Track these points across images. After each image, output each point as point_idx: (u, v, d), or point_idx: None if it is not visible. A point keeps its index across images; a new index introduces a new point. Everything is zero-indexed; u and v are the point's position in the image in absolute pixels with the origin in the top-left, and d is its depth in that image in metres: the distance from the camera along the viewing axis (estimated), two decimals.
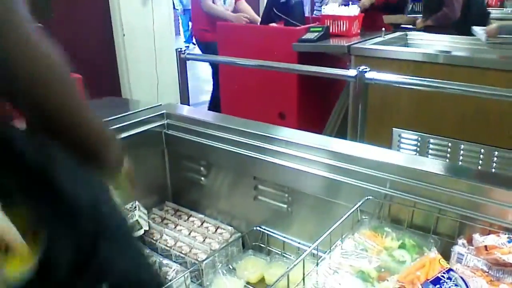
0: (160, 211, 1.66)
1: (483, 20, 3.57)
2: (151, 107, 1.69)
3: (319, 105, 3.69)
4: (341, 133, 3.46)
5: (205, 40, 4.10)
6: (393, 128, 3.00)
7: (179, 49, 3.14)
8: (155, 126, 1.61)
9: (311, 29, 3.33)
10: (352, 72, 2.43)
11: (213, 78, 4.33)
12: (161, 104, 1.72)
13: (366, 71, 2.34)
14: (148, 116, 1.60)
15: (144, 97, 4.63)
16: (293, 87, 3.42)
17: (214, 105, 4.30)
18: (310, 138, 1.38)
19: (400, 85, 2.48)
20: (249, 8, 4.29)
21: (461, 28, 3.39)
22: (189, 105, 3.67)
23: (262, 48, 3.44)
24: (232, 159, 1.50)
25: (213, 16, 3.95)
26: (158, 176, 1.71)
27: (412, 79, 2.29)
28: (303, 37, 3.26)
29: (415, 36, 3.52)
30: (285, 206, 1.43)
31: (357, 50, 3.01)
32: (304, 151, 1.33)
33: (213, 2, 4.00)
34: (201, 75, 6.84)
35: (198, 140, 1.56)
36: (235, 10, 4.21)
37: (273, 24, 3.66)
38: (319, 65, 2.65)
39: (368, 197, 1.18)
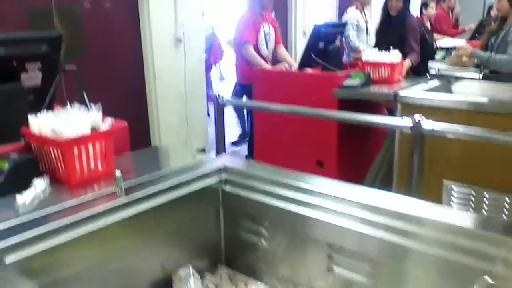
0: (214, 278, 1.49)
1: None
2: (203, 160, 1.54)
3: (358, 153, 3.54)
4: (384, 184, 3.29)
5: (247, 82, 4.03)
6: (444, 180, 2.82)
7: (217, 95, 3.04)
8: (213, 183, 1.46)
9: (352, 75, 3.22)
10: (407, 122, 2.27)
11: (248, 122, 4.23)
12: (214, 157, 1.58)
13: (422, 121, 2.18)
14: (204, 171, 1.46)
15: (173, 140, 4.53)
16: (333, 134, 3.28)
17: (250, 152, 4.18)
18: (395, 202, 1.21)
19: (460, 137, 2.31)
20: (287, 53, 4.24)
21: None
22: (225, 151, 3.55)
23: (299, 93, 3.34)
24: (300, 221, 1.33)
25: (251, 64, 3.88)
26: (212, 236, 1.54)
27: (477, 130, 2.12)
28: (345, 83, 3.15)
29: (460, 83, 3.38)
30: (366, 279, 1.25)
31: (406, 98, 2.87)
32: (392, 217, 1.17)
33: (256, 46, 3.94)
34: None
35: (260, 199, 1.41)
36: (274, 54, 4.16)
37: (308, 69, 3.57)
38: (359, 111, 2.52)
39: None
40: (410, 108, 2.85)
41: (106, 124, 1.42)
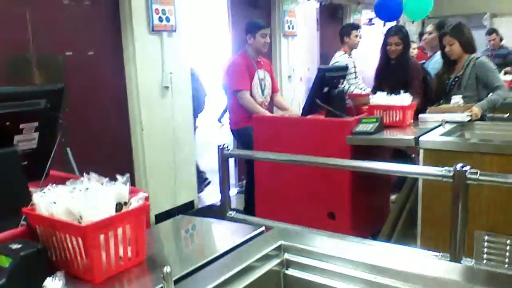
0: None
1: None
2: (255, 232, 1.25)
3: (370, 202, 3.30)
4: (404, 237, 3.04)
5: (240, 126, 3.78)
6: (475, 231, 2.59)
7: (220, 146, 2.76)
8: (273, 266, 1.16)
9: (363, 120, 3.02)
10: (446, 171, 2.05)
11: (247, 173, 3.94)
12: (264, 229, 1.29)
13: (467, 170, 1.96)
14: (261, 252, 1.16)
15: (161, 192, 4.20)
16: (345, 183, 3.04)
17: (248, 206, 3.87)
18: None
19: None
20: (286, 102, 4.05)
21: None
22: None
23: (306, 141, 3.10)
24: None
25: (250, 111, 3.63)
26: None
27: None
28: (358, 130, 2.93)
29: (470, 125, 3.23)
30: None
31: (428, 143, 2.67)
32: None
33: (251, 94, 3.71)
34: (209, 162, 6.41)
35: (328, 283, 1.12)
36: (270, 102, 3.96)
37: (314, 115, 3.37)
38: (371, 159, 2.31)
39: None
40: (434, 154, 2.65)
41: (137, 198, 1.11)
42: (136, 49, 3.93)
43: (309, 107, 3.31)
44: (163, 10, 4.10)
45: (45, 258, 1.07)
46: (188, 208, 4.51)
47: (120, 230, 1.06)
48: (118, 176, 1.14)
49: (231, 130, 4.00)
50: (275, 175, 3.29)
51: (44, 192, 1.15)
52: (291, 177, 3.21)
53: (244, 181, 4.57)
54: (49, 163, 1.49)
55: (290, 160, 2.53)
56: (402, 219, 2.99)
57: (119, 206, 1.11)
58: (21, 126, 1.42)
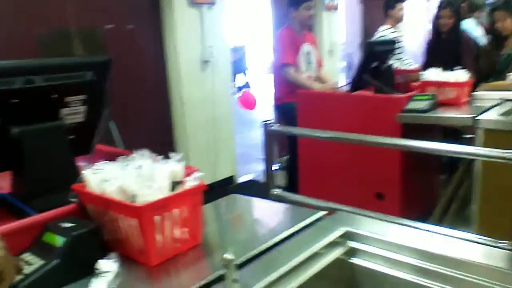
0: None
1: None
2: (314, 218, 1.15)
3: (422, 183, 3.15)
4: (455, 221, 2.89)
5: (284, 101, 3.66)
6: None
7: (265, 122, 2.67)
8: (339, 254, 1.07)
9: (415, 98, 2.85)
10: None
11: (290, 149, 3.84)
12: (327, 213, 1.19)
13: None
14: (325, 238, 1.06)
15: (201, 166, 4.15)
16: (396, 162, 2.89)
17: (291, 184, 3.78)
18: None
19: None
20: (329, 76, 3.89)
21: None
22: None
23: (354, 118, 2.96)
24: None
25: (297, 86, 3.50)
26: None
27: None
28: (410, 107, 2.77)
29: None
30: None
31: (488, 122, 2.49)
32: None
33: (297, 67, 3.57)
34: (246, 138, 6.34)
35: (401, 275, 1.02)
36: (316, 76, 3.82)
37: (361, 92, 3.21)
38: (423, 138, 2.15)
39: None
40: (494, 135, 2.47)
41: (193, 178, 1.03)
42: (176, 22, 3.85)
43: (357, 83, 3.15)
44: None
45: (98, 238, 1.01)
46: (227, 183, 4.47)
47: (176, 211, 0.99)
48: (172, 154, 1.06)
49: (274, 105, 3.89)
50: (320, 152, 3.18)
51: (96, 169, 1.09)
52: (337, 155, 3.09)
53: (284, 157, 4.48)
54: (96, 137, 1.43)
55: (339, 137, 2.41)
56: (455, 202, 2.84)
57: (173, 185, 1.03)
58: (67, 99, 1.36)
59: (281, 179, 4.39)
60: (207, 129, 4.23)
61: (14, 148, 1.23)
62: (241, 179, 4.85)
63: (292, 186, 3.64)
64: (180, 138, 4.08)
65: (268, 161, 2.72)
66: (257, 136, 6.20)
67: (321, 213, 1.19)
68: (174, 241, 1.00)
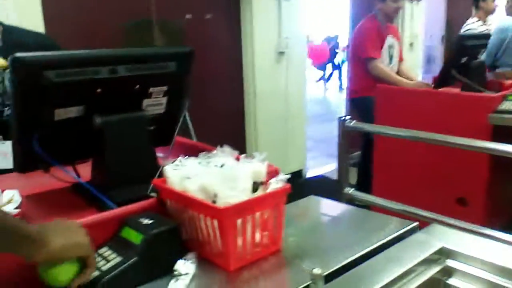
0: None
1: None
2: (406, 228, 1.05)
3: (508, 191, 2.89)
4: None
5: (360, 95, 3.51)
6: None
7: (341, 117, 2.55)
8: (433, 273, 0.96)
9: (510, 97, 2.60)
10: None
11: (363, 145, 3.69)
12: (418, 224, 1.08)
13: None
14: (419, 255, 0.96)
15: (271, 159, 4.11)
16: (483, 166, 2.67)
17: (362, 182, 3.64)
18: None
19: None
20: (412, 72, 3.68)
21: None
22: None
23: (437, 117, 2.76)
24: None
25: (379, 80, 3.33)
26: None
27: None
28: (503, 108, 2.54)
29: None
30: None
31: None
32: None
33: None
34: (317, 131, 6.20)
35: None
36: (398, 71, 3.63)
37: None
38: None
39: None
40: None
41: (277, 179, 0.97)
42: (253, 12, 3.81)
43: (442, 79, 2.94)
44: None
45: (178, 237, 0.97)
46: (296, 177, 4.40)
47: (258, 214, 0.93)
48: (256, 153, 1.00)
49: (349, 99, 3.75)
50: (397, 150, 3.01)
51: (177, 165, 1.05)
52: (416, 154, 2.91)
53: (356, 153, 4.33)
54: (177, 129, 1.41)
55: (424, 138, 2.25)
56: None
57: (255, 186, 0.97)
58: (150, 90, 1.35)
59: (352, 175, 4.25)
60: (278, 121, 4.18)
61: (96, 137, 1.23)
62: (310, 173, 4.76)
63: (363, 184, 3.49)
64: (251, 130, 4.06)
65: (342, 159, 2.61)
66: (328, 129, 6.06)
67: (413, 224, 1.08)
68: (254, 245, 0.95)
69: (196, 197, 0.94)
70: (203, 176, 0.96)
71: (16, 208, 1.12)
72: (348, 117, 2.53)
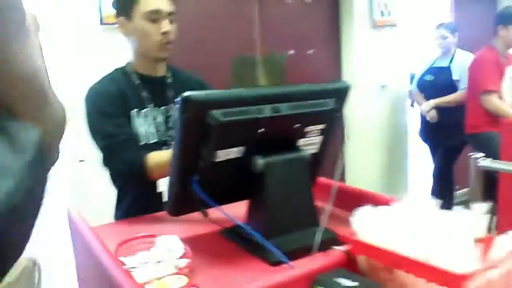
0: None
1: None
2: None
3: None
4: None
5: (481, 131, 3.25)
6: None
7: (473, 155, 2.34)
8: None
9: None
10: None
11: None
12: None
13: None
14: None
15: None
16: None
17: None
18: None
19: None
20: None
21: None
22: None
23: None
24: None
25: (497, 115, 3.07)
26: None
27: None
28: None
29: None
30: None
31: None
32: None
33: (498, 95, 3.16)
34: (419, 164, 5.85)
35: None
36: None
37: None
38: None
39: None
40: None
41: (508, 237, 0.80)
42: (355, 46, 3.70)
43: None
44: (385, 4, 3.79)
45: None
46: None
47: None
48: (476, 204, 0.85)
49: (468, 134, 3.48)
50: None
51: (365, 215, 0.93)
52: None
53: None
54: (338, 170, 1.29)
55: None
56: None
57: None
58: (307, 128, 1.25)
59: None
60: (380, 155, 3.98)
61: (254, 179, 1.14)
62: None
63: None
64: (352, 163, 3.89)
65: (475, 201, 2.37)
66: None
67: None
68: None
69: (408, 256, 0.80)
70: (404, 229, 0.82)
71: (181, 257, 1.04)
72: (481, 154, 2.32)
